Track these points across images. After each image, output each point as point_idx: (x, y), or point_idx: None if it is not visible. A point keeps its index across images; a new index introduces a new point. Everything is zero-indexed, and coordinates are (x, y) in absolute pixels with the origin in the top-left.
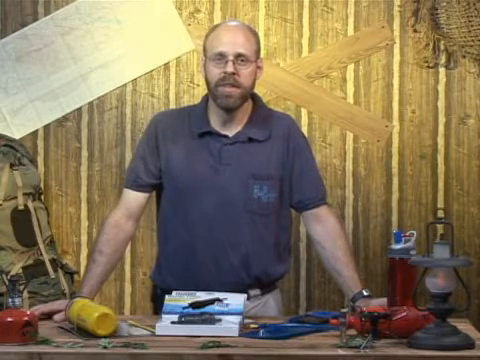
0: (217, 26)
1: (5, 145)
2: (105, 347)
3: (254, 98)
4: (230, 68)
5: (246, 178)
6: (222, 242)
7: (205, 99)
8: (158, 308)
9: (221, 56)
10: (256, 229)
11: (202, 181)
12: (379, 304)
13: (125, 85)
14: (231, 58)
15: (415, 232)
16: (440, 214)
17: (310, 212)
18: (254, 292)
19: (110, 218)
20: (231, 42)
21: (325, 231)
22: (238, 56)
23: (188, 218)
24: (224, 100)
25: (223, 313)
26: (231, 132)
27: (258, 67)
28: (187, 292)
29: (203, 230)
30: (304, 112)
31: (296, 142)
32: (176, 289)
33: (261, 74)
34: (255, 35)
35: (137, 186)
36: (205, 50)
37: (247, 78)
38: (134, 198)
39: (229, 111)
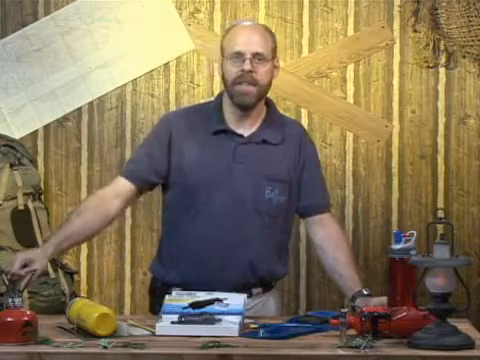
0: (233, 26)
1: (5, 145)
2: (105, 347)
3: (268, 103)
4: (247, 66)
5: (259, 178)
6: (230, 241)
7: (219, 98)
8: (156, 302)
9: (238, 55)
10: (264, 230)
11: (214, 178)
12: (379, 303)
13: (125, 85)
14: (248, 56)
15: (415, 232)
16: (440, 214)
17: (314, 218)
18: (256, 290)
19: (95, 193)
20: (248, 41)
21: (327, 235)
22: (255, 55)
23: (197, 214)
24: (240, 98)
25: (223, 313)
26: (246, 132)
27: (274, 66)
28: (187, 292)
29: (212, 228)
30: (304, 112)
31: (308, 150)
32: (179, 284)
33: (278, 73)
34: (271, 35)
35: (132, 177)
36: (222, 50)
37: (264, 76)
38: (123, 185)
39: (244, 109)
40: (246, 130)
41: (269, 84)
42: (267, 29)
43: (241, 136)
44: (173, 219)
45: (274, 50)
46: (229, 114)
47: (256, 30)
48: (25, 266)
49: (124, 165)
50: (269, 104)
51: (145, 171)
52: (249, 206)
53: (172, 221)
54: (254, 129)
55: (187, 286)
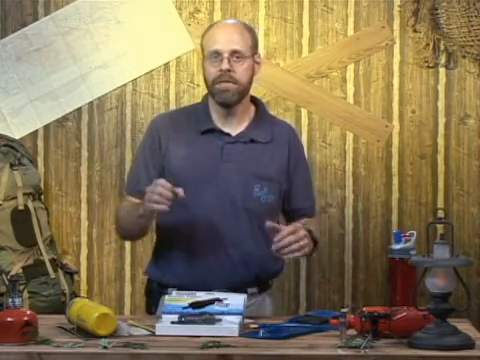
0: (212, 25)
1: (5, 145)
2: (105, 347)
3: (256, 103)
4: (225, 65)
5: (247, 177)
6: (221, 239)
7: (206, 98)
8: (152, 302)
9: (217, 54)
10: (253, 228)
11: (202, 178)
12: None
13: (125, 85)
14: (226, 55)
15: (415, 232)
16: (440, 214)
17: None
18: (252, 290)
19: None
20: (225, 40)
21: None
22: (233, 53)
23: (188, 214)
24: (222, 95)
25: (223, 313)
26: (233, 131)
27: (256, 62)
28: (187, 292)
29: (203, 226)
30: (304, 112)
31: (298, 152)
32: (174, 285)
33: (260, 69)
34: (250, 31)
35: (139, 193)
36: (202, 50)
37: (243, 74)
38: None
39: (227, 107)
40: (233, 129)
41: (250, 81)
42: (246, 26)
43: (228, 135)
44: (165, 220)
45: (254, 46)
46: (215, 114)
47: (233, 28)
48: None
49: (126, 182)
50: (258, 104)
51: (148, 186)
52: (238, 204)
53: (164, 222)
54: (242, 128)
55: (182, 287)
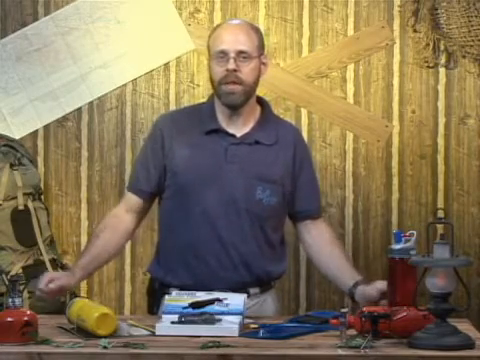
0: (218, 26)
1: (5, 145)
2: (105, 347)
3: (262, 103)
4: (231, 65)
5: (250, 179)
6: (223, 240)
7: (212, 98)
8: (154, 302)
9: (223, 54)
10: (255, 229)
11: (205, 178)
12: (380, 285)
13: (125, 85)
14: (232, 55)
15: (415, 232)
16: (440, 214)
17: (308, 222)
18: (254, 290)
19: (110, 212)
20: (232, 40)
21: (320, 233)
22: (239, 53)
23: (190, 214)
24: (227, 97)
25: (223, 313)
26: (238, 132)
27: (263, 63)
28: (187, 292)
29: (204, 227)
30: (304, 112)
31: (303, 154)
32: (176, 284)
33: (266, 70)
34: (257, 32)
35: (137, 192)
36: (209, 49)
37: (249, 74)
38: (134, 199)
39: (233, 108)
40: (238, 130)
41: (256, 82)
42: (252, 26)
43: (233, 136)
44: (168, 220)
45: (260, 47)
46: (220, 114)
47: (240, 28)
48: (51, 282)
49: (128, 178)
50: (263, 104)
51: (145, 184)
52: (240, 206)
53: (167, 222)
54: (247, 129)
55: (184, 287)
